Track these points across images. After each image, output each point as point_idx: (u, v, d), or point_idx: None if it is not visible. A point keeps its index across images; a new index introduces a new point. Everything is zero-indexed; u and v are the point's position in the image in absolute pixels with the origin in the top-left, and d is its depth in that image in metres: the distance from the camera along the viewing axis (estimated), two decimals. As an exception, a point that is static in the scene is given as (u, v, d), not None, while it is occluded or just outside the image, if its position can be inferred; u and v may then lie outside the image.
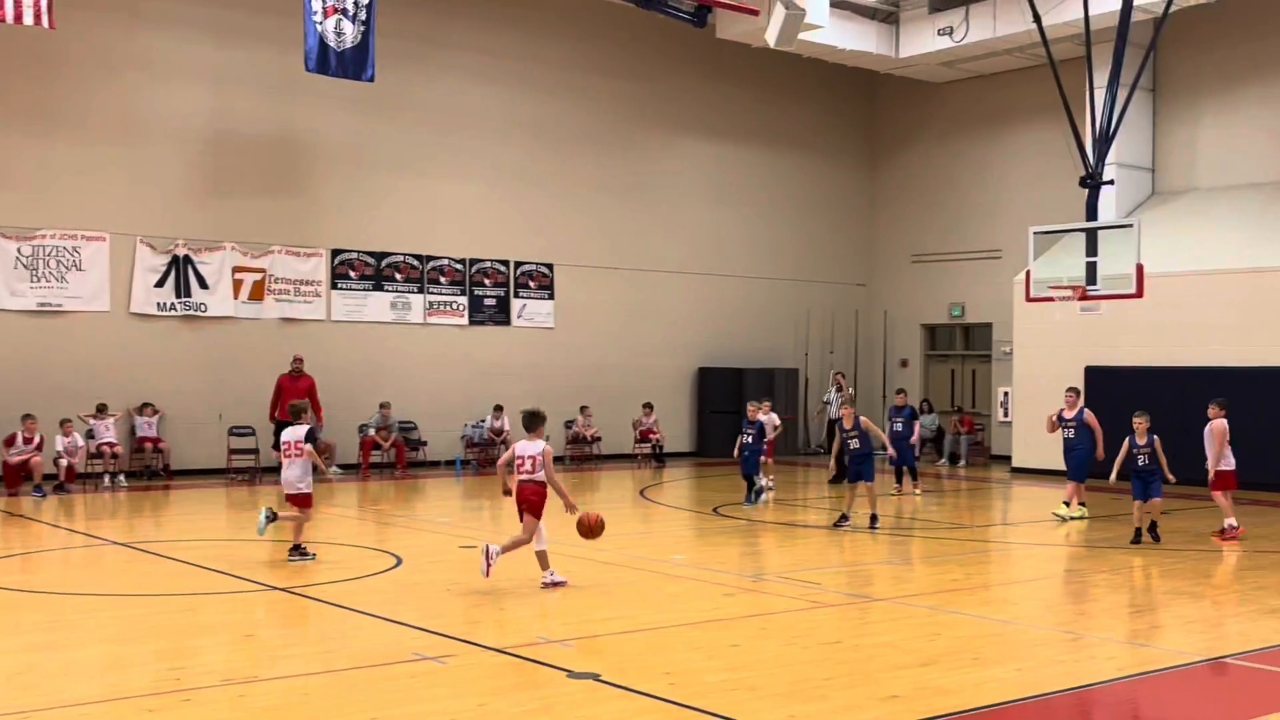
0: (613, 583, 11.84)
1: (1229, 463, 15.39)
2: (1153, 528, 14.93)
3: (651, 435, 26.31)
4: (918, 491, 20.11)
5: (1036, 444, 24.78)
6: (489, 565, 11.04)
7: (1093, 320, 23.42)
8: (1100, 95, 21.29)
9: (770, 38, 23.14)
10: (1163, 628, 10.15)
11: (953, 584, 12.09)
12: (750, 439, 18.57)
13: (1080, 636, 9.54)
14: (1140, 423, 14.95)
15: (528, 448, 11.30)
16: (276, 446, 14.59)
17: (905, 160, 31.16)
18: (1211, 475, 15.42)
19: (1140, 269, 19.11)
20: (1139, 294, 19.29)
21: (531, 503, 11.18)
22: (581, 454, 25.98)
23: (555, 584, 11.18)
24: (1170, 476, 14.85)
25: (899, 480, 20.30)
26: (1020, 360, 25.30)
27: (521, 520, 11.21)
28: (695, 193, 28.75)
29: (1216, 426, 15.38)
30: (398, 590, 11.26)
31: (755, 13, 23.80)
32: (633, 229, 27.66)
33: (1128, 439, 15.03)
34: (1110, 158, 22.70)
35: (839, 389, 23.87)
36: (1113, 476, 15.49)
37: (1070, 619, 10.51)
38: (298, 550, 12.85)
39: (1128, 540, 15.00)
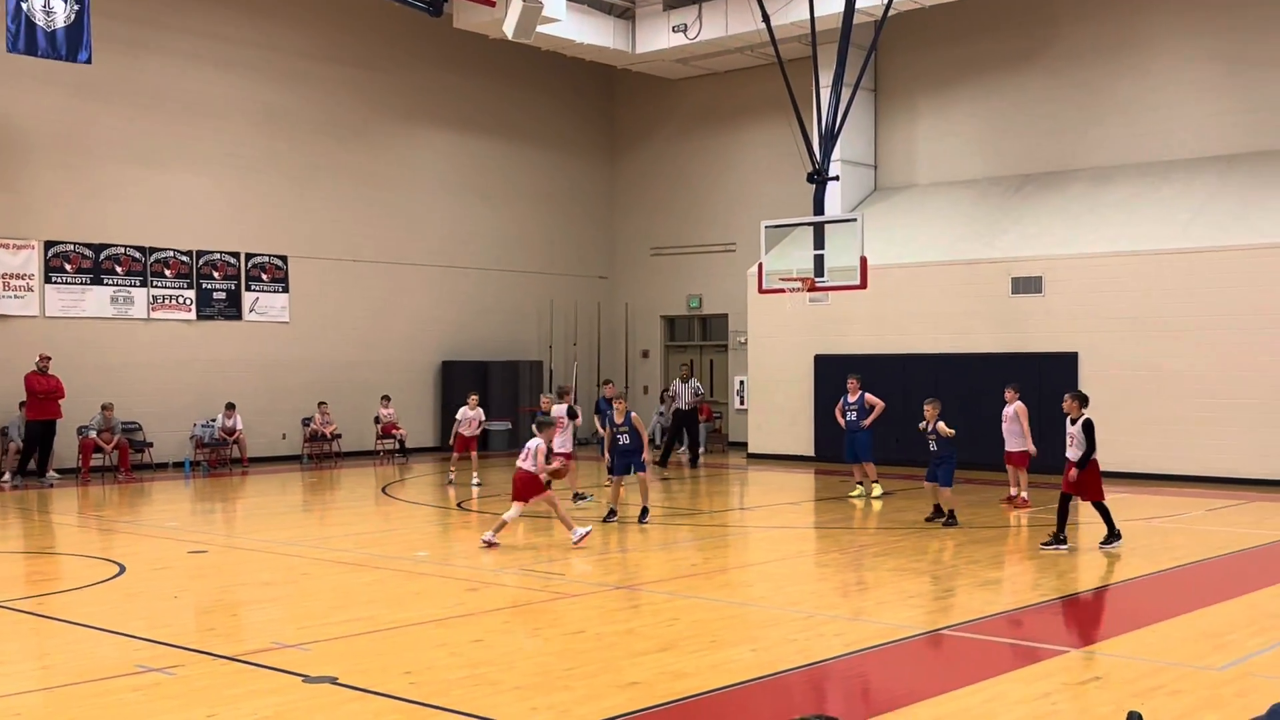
0: (353, 583, 11.59)
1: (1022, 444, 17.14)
2: (949, 514, 15.28)
3: (394, 431, 25.89)
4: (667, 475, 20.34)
5: (771, 430, 25.69)
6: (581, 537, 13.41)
7: (821, 310, 24.40)
8: (826, 94, 22.17)
9: (508, 29, 23.08)
10: (886, 603, 10.65)
11: (691, 569, 12.35)
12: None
13: (811, 615, 9.91)
14: (931, 409, 15.41)
15: (531, 442, 13.63)
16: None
17: (644, 155, 31.67)
18: (1032, 453, 17.06)
19: (864, 261, 20.00)
20: (863, 285, 20.18)
21: (519, 488, 13.55)
22: (320, 451, 25.34)
23: (584, 538, 13.51)
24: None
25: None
26: (755, 349, 26.10)
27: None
28: (436, 185, 28.43)
29: (1020, 409, 17.06)
30: (121, 600, 10.70)
31: (492, 3, 23.69)
32: (372, 221, 27.13)
33: (922, 424, 15.48)
34: (835, 154, 23.70)
35: (685, 380, 23.96)
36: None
37: (801, 598, 10.90)
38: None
39: (860, 521, 15.64)
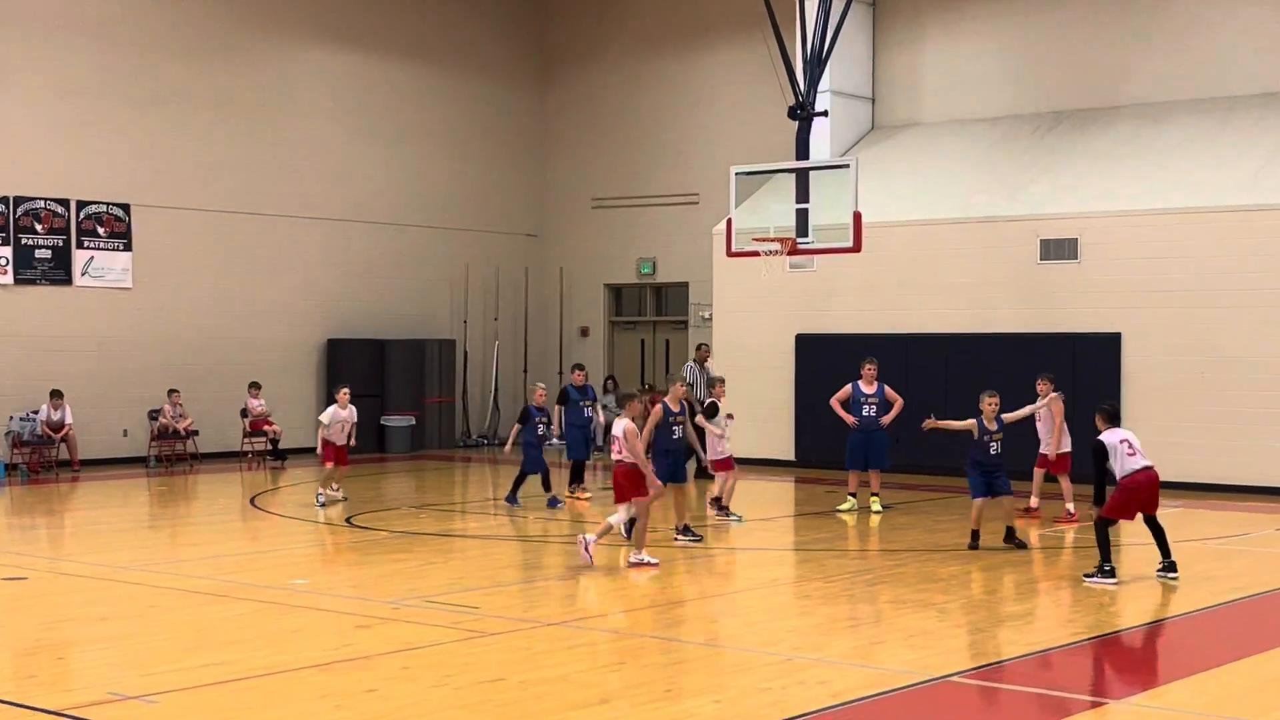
0: (213, 618, 11.49)
1: (1068, 443, 17.65)
2: (1010, 533, 15.32)
3: (267, 427, 25.71)
4: (585, 495, 19.87)
5: (740, 429, 25.70)
6: (589, 555, 13.64)
7: (805, 279, 24.41)
8: (812, 8, 22.16)
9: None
10: (883, 643, 10.69)
11: (641, 600, 12.34)
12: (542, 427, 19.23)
13: (789, 658, 9.93)
14: (992, 403, 15.42)
15: (616, 426, 13.81)
16: None
17: (583, 83, 31.56)
18: (1052, 456, 17.48)
19: (858, 218, 20.03)
20: (856, 248, 20.20)
21: (622, 486, 13.80)
22: (172, 452, 25.10)
23: (644, 565, 13.71)
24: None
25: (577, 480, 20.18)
26: (722, 328, 26.12)
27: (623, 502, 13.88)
28: (322, 116, 28.20)
29: (1055, 406, 17.50)
30: (-84, 640, 10.56)
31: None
32: (238, 161, 26.87)
33: (975, 423, 15.35)
34: (824, 84, 23.67)
35: (701, 362, 22.94)
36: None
37: (778, 637, 10.91)
38: None
39: (852, 541, 15.68)
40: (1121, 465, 13.28)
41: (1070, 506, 17.64)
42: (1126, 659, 10.65)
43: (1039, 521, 17.38)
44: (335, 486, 19.63)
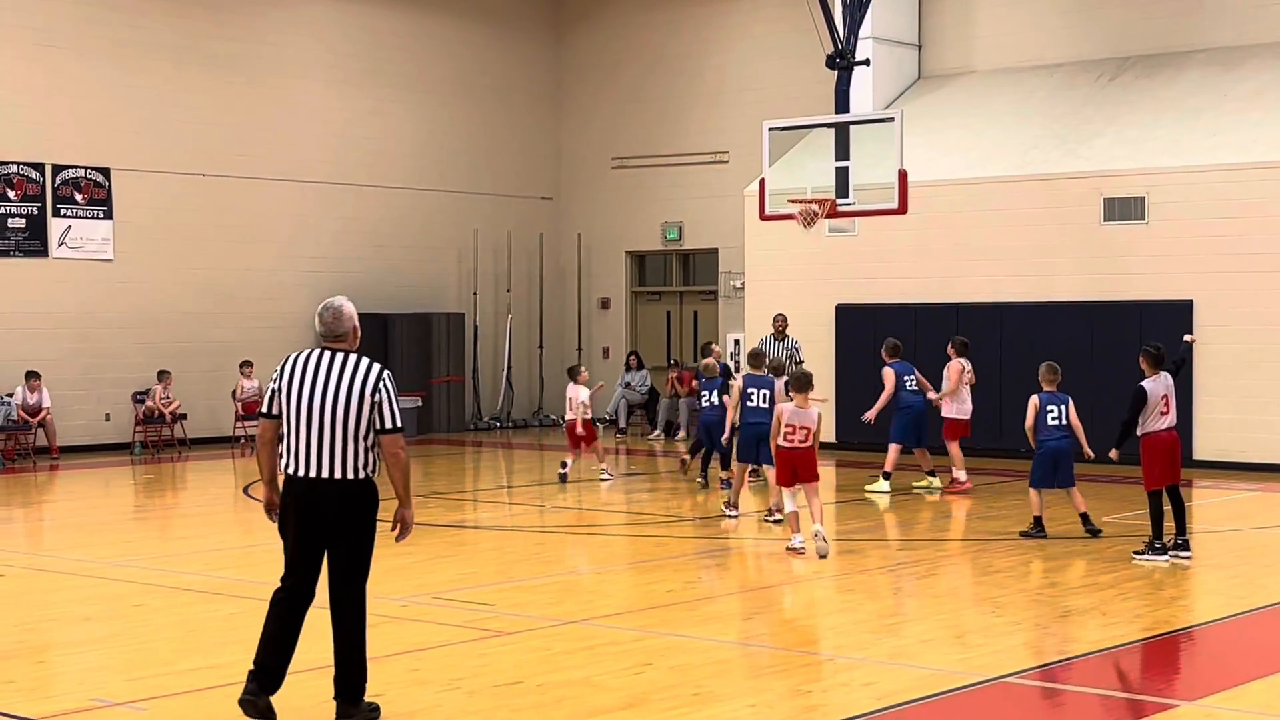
0: (204, 618, 11.54)
1: (963, 409, 18.55)
2: (1086, 520, 15.43)
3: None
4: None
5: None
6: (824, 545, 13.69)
7: (845, 244, 24.33)
8: (852, -53, 22.05)
9: None
10: (933, 642, 10.69)
11: (669, 596, 12.36)
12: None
13: (831, 657, 9.93)
14: (1052, 376, 15.61)
15: (801, 415, 13.90)
16: None
17: (602, 31, 31.49)
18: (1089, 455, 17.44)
19: (903, 176, 19.98)
20: (902, 209, 20.16)
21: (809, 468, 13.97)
22: (159, 438, 25.21)
23: (796, 551, 13.96)
24: (1089, 452, 15.43)
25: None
26: (755, 297, 26.09)
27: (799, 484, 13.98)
28: (318, 71, 28.20)
29: (954, 366, 18.66)
30: (-115, 643, 10.64)
31: None
32: (228, 121, 26.89)
33: (1036, 399, 15.39)
34: (865, 30, 23.59)
35: (780, 335, 22.19)
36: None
37: (818, 635, 10.92)
38: None
39: (897, 529, 15.66)
40: (1151, 420, 13.54)
41: (960, 474, 18.57)
42: (1200, 657, 10.62)
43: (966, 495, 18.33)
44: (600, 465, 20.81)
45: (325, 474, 8.20)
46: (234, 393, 25.99)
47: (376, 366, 8.36)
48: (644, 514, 17.31)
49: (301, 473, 8.27)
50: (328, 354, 8.43)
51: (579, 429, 19.95)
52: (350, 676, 8.28)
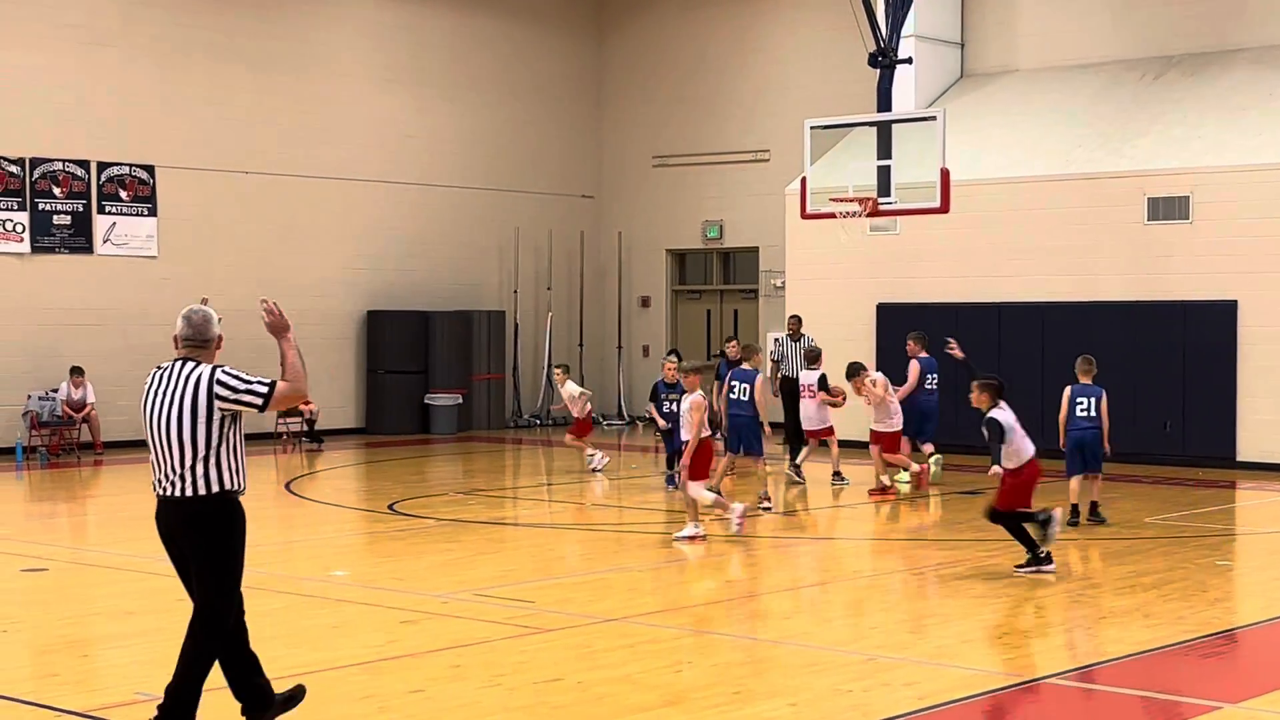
0: (248, 612, 11.55)
1: (891, 422, 18.71)
2: (1094, 509, 15.89)
3: (303, 407, 25.87)
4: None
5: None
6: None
7: (887, 243, 24.27)
8: (895, -55, 22.01)
9: None
10: (973, 641, 10.66)
11: (708, 595, 12.35)
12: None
13: (872, 657, 9.92)
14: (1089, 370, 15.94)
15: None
16: None
17: (644, 30, 31.49)
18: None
19: (945, 175, 19.93)
20: (944, 208, 20.11)
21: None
22: (203, 434, 25.30)
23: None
24: (1107, 447, 15.80)
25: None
26: (796, 296, 26.04)
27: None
28: (361, 69, 28.28)
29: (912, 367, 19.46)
30: (-69, 636, 10.75)
31: None
32: (271, 119, 26.99)
33: (1069, 391, 15.84)
34: (908, 28, 23.57)
35: (795, 335, 21.84)
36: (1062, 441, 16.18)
37: (858, 634, 10.90)
38: None
39: (939, 529, 15.61)
40: (1020, 448, 13.16)
41: (886, 479, 18.85)
42: (1243, 659, 10.57)
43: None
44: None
45: (174, 493, 7.73)
46: (276, 389, 26.07)
47: (207, 368, 7.87)
48: (683, 512, 17.29)
49: (158, 491, 7.83)
50: (178, 365, 7.95)
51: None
52: (176, 711, 7.75)
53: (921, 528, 16.90)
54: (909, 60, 22.83)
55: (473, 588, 12.45)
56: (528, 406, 30.35)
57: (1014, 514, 13.06)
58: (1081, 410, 15.63)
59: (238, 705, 8.07)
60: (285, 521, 17.56)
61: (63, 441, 23.82)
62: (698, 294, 31.40)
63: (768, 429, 17.18)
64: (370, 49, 28.49)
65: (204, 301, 8.49)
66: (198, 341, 8.06)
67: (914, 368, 19.73)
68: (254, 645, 10.29)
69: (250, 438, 26.96)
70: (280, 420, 25.99)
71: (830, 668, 9.72)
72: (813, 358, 19.92)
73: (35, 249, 24.38)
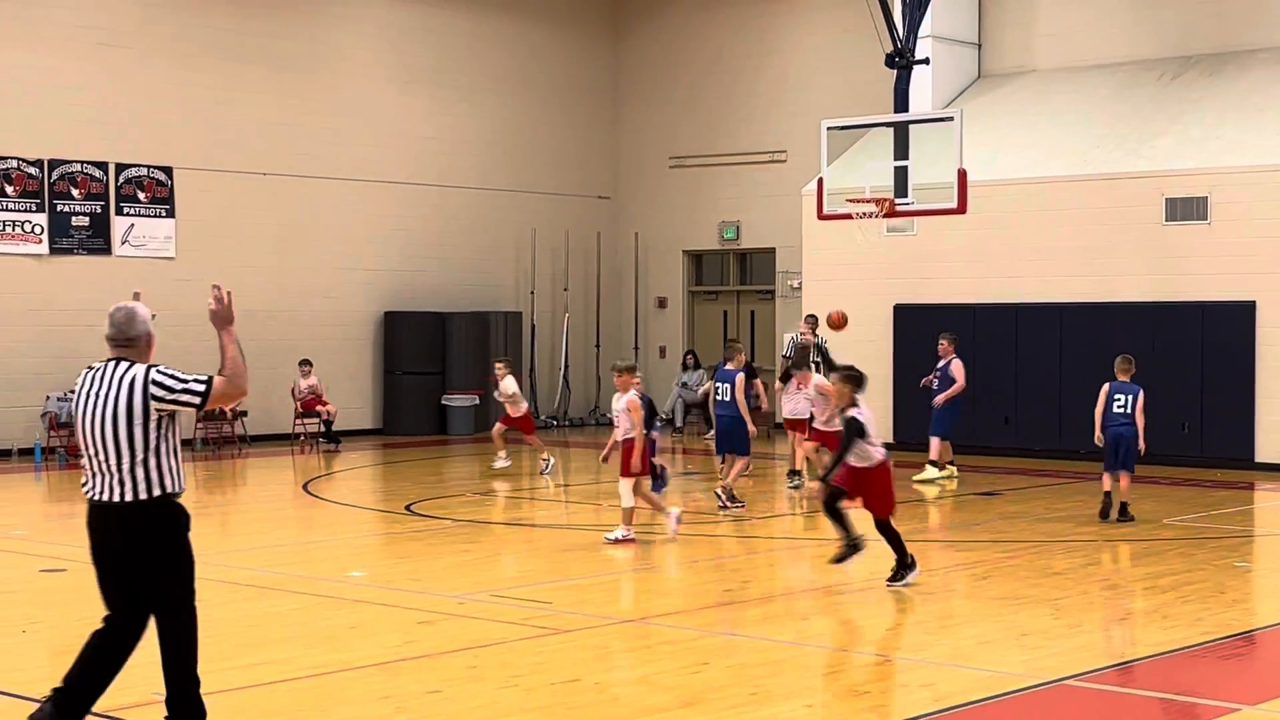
0: (265, 613, 11.62)
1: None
2: (1123, 509, 16.10)
3: (319, 407, 25.92)
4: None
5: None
6: None
7: (904, 244, 24.24)
8: (912, -54, 22.01)
9: None
10: (992, 643, 10.64)
11: (726, 596, 12.35)
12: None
13: (889, 658, 9.91)
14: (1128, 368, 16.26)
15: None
16: None
17: (660, 30, 31.49)
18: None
19: (963, 176, 19.91)
20: (961, 209, 20.10)
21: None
22: (219, 435, 25.37)
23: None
24: (1141, 445, 16.08)
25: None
26: (812, 297, 26.02)
27: None
28: (378, 70, 28.31)
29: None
30: (-50, 636, 10.78)
31: None
32: (288, 120, 27.03)
33: (1106, 387, 16.16)
34: (925, 29, 23.56)
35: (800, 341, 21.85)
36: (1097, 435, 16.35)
37: (876, 635, 10.89)
38: None
39: (957, 530, 15.61)
40: (865, 451, 12.45)
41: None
42: (1262, 661, 10.54)
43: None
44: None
45: (111, 497, 7.50)
46: (293, 391, 26.14)
47: (142, 367, 7.61)
48: (701, 513, 17.29)
49: (91, 496, 7.59)
50: (110, 365, 7.64)
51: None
52: (183, 706, 7.77)
53: (937, 529, 16.87)
54: (926, 61, 22.81)
55: (490, 588, 12.47)
56: (544, 408, 30.35)
57: (837, 509, 12.48)
58: (1119, 407, 15.98)
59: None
60: (303, 522, 17.59)
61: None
62: (714, 295, 31.38)
63: (753, 429, 17.35)
64: (388, 51, 28.53)
65: (136, 297, 8.11)
66: (122, 341, 7.75)
67: (958, 367, 19.76)
68: (269, 646, 10.32)
69: (269, 438, 27.18)
70: (298, 421, 26.05)
71: (847, 668, 9.72)
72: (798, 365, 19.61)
73: (54, 250, 24.45)
